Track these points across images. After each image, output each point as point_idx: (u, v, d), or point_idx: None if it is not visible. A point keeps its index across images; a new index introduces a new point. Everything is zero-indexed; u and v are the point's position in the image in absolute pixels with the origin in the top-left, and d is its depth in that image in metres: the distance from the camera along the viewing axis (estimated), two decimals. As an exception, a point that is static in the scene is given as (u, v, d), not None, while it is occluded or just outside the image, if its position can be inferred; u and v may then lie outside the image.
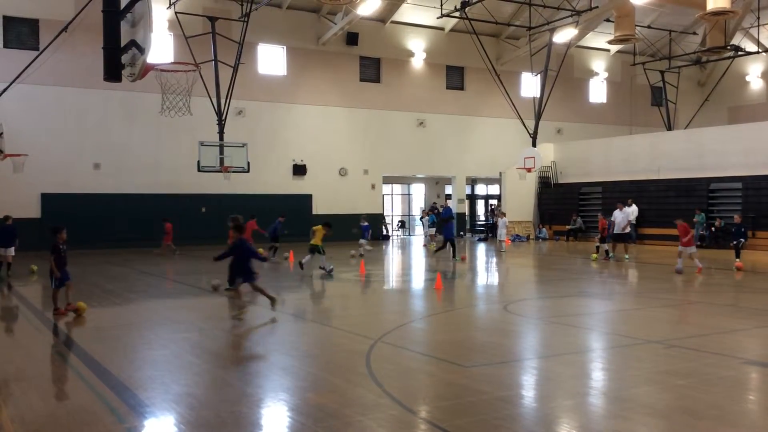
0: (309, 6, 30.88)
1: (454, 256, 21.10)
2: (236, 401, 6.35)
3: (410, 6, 31.65)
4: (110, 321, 10.70)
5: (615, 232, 21.19)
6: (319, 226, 17.11)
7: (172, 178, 27.91)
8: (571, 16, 27.73)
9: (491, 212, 33.63)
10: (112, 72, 8.71)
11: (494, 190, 38.67)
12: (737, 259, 18.28)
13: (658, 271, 18.18)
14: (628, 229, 21.65)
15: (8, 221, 16.94)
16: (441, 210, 35.79)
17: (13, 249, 16.45)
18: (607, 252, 21.16)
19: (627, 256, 21.07)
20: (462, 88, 35.28)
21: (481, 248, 27.64)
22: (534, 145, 29.61)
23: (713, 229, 25.94)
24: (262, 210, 29.23)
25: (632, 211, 27.03)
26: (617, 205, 22.00)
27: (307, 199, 30.95)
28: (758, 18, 30.99)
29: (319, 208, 31.08)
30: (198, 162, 24.15)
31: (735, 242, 18.74)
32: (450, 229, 21.55)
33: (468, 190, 37.80)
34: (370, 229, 24.79)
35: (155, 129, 27.27)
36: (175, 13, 25.55)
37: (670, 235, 26.74)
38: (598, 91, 39.50)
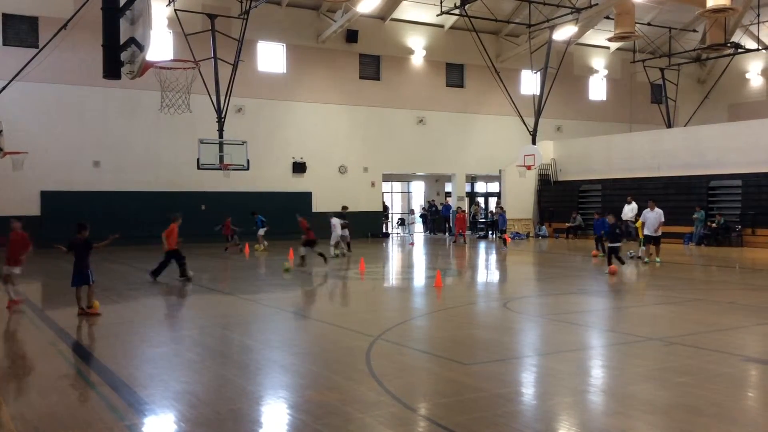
0: (309, 3, 30.86)
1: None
2: (236, 399, 6.35)
3: (410, 3, 31.63)
4: (110, 319, 10.69)
5: (646, 233, 19.13)
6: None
7: (172, 175, 27.90)
8: (571, 13, 27.70)
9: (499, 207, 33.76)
10: (112, 69, 8.72)
11: (494, 187, 38.66)
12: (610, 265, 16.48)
13: (657, 268, 18.16)
14: (659, 232, 19.08)
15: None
16: (440, 207, 35.92)
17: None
18: (303, 257, 18.14)
19: (658, 260, 18.95)
20: (462, 86, 35.26)
21: (482, 246, 27.63)
22: (534, 142, 29.60)
23: (713, 226, 25.93)
24: (262, 207, 29.38)
25: (632, 208, 27.00)
26: (649, 202, 19.71)
27: (307, 196, 30.95)
28: (758, 15, 30.94)
29: (319, 205, 31.07)
30: (198, 159, 24.12)
31: (610, 243, 16.67)
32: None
33: (468, 188, 37.80)
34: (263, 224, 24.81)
35: (155, 126, 27.27)
36: (175, 10, 25.51)
37: (671, 232, 26.80)
38: (597, 89, 39.48)
